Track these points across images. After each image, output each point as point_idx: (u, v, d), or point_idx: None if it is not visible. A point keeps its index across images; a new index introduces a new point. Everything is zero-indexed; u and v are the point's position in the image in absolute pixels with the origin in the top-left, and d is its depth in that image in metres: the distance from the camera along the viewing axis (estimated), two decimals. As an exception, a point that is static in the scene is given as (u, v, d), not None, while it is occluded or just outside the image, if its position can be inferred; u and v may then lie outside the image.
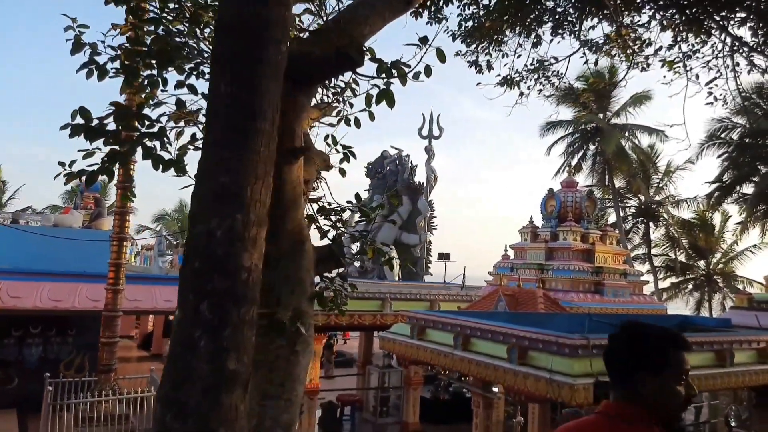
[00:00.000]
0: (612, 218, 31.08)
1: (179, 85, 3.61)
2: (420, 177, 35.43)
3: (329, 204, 4.34)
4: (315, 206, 4.30)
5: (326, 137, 4.42)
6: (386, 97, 3.63)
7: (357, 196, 4.23)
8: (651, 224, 32.23)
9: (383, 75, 3.59)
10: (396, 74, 3.56)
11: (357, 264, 33.91)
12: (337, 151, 4.48)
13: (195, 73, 3.82)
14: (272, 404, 3.08)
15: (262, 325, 3.34)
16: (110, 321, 11.52)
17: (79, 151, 3.52)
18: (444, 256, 31.71)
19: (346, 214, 4.32)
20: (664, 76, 6.71)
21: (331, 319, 12.10)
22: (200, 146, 3.90)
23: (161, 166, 3.52)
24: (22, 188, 37.24)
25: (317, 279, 3.78)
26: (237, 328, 1.99)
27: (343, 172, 4.51)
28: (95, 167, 3.29)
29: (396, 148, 36.39)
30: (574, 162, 29.63)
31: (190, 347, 1.94)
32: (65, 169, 3.35)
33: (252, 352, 2.07)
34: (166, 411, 1.91)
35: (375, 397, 14.62)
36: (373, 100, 3.84)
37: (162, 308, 15.07)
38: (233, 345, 1.96)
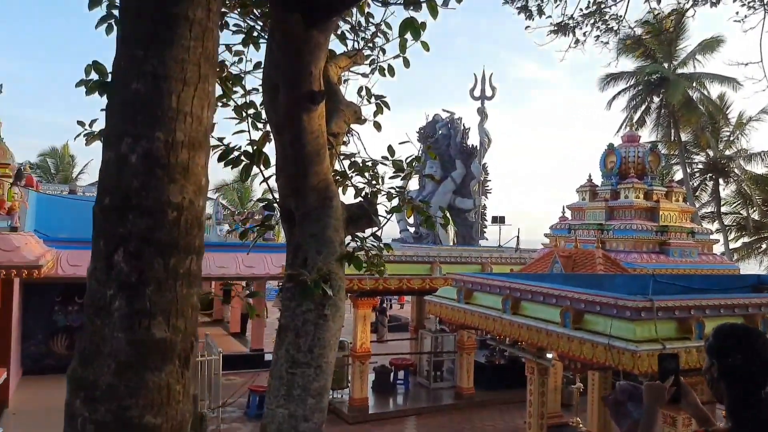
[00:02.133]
0: (678, 175, 29.33)
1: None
2: (473, 140, 34.45)
3: (363, 160, 4.04)
4: (347, 164, 4.01)
5: (360, 89, 4.07)
6: (411, 28, 3.21)
7: (390, 148, 3.87)
8: (720, 181, 30.24)
9: (411, 7, 3.20)
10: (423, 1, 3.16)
11: (412, 230, 33.71)
12: (369, 103, 4.14)
13: (219, 24, 3.58)
14: (301, 372, 2.88)
15: (289, 287, 3.09)
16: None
17: (102, 110, 3.39)
18: (498, 220, 31.00)
19: (381, 170, 3.98)
20: (737, 13, 5.94)
21: (379, 284, 11.86)
22: (228, 103, 3.67)
23: None
24: (90, 163, 38.60)
25: (349, 239, 3.46)
26: (164, 285, 1.52)
27: (378, 126, 4.16)
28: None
29: (448, 111, 35.49)
30: (636, 116, 27.95)
31: (101, 311, 1.51)
32: (85, 129, 3.19)
33: (195, 316, 1.62)
34: (74, 394, 1.51)
35: (428, 362, 14.44)
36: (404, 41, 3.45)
37: (215, 274, 15.31)
38: (160, 306, 1.52)
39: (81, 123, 3.31)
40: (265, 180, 3.55)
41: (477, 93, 35.22)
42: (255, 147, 3.39)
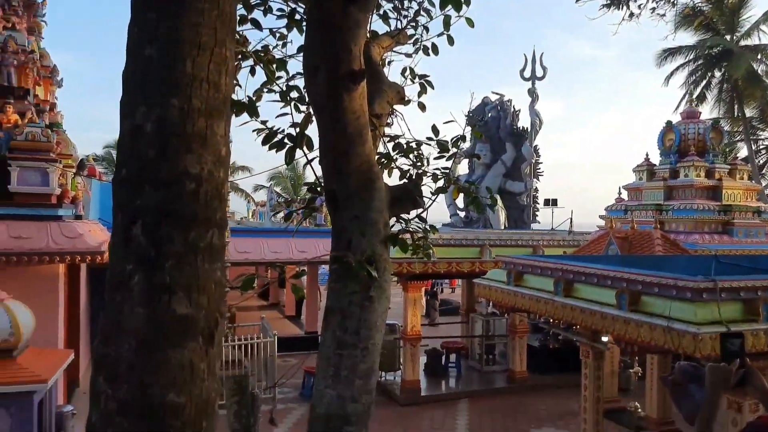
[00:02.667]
0: (742, 153, 27.87)
1: (242, 20, 3.40)
2: (524, 122, 33.67)
3: (407, 141, 4.01)
4: (391, 146, 3.99)
5: (403, 70, 4.03)
6: (452, 1, 3.15)
7: (434, 128, 3.82)
8: (790, 157, 28.57)
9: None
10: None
11: (462, 214, 33.38)
12: (413, 82, 4.10)
13: (262, 8, 3.61)
14: (347, 353, 2.90)
15: (334, 269, 3.08)
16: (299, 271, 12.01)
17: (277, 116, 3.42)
18: (551, 202, 30.31)
19: (425, 151, 3.94)
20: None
21: (428, 267, 11.84)
22: (274, 89, 3.72)
23: (234, 110, 3.42)
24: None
25: (393, 221, 3.44)
26: (184, 259, 1.46)
27: (422, 107, 4.12)
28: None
29: (497, 93, 34.74)
30: (696, 92, 26.63)
31: (121, 286, 1.46)
32: None
33: (219, 292, 1.58)
34: (97, 371, 1.50)
35: (480, 345, 14.35)
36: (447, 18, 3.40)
37: (269, 259, 15.65)
38: (180, 281, 1.46)
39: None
40: (309, 162, 3.58)
41: (527, 73, 34.30)
42: (298, 129, 3.43)
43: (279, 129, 3.48)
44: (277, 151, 3.42)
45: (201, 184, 1.49)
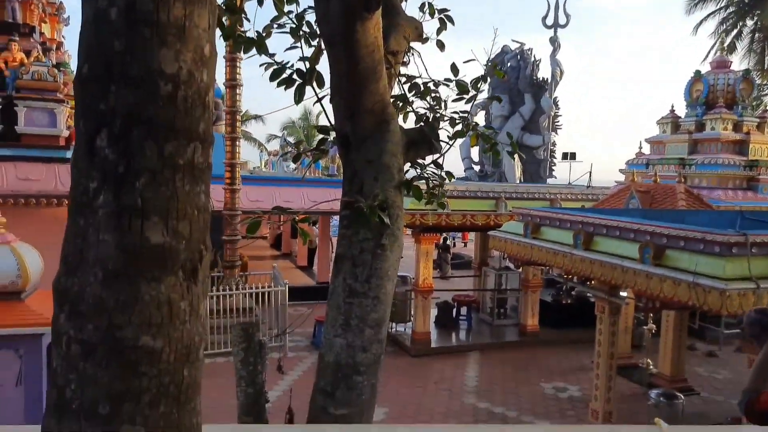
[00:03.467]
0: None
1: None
2: (544, 72, 32.61)
3: (424, 82, 3.77)
4: (407, 87, 3.74)
5: (422, 5, 3.73)
6: None
7: (453, 66, 3.53)
8: (821, 113, 27.49)
9: None
10: None
11: (477, 168, 32.86)
12: (432, 18, 3.81)
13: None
14: (358, 302, 2.81)
15: (345, 215, 2.89)
16: (231, 220, 11.91)
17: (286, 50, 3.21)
18: (569, 156, 29.66)
19: (443, 93, 3.65)
20: None
21: (442, 219, 11.61)
22: (284, 24, 3.44)
23: (242, 47, 3.08)
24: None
25: (408, 167, 3.27)
26: (160, 177, 1.22)
27: (441, 45, 3.84)
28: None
29: (518, 42, 33.54)
30: (727, 42, 25.51)
31: (84, 208, 1.23)
32: None
33: (204, 220, 1.33)
34: (59, 308, 1.27)
35: (492, 299, 14.25)
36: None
37: (320, 209, 15.42)
38: (155, 204, 1.22)
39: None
40: (319, 100, 3.38)
41: (549, 21, 33.04)
42: (308, 65, 3.19)
43: (289, 64, 3.27)
44: (286, 89, 3.24)
45: (179, 86, 1.23)
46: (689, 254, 5.32)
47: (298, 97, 3.29)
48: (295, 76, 3.20)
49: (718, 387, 10.55)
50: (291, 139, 36.58)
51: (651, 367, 11.10)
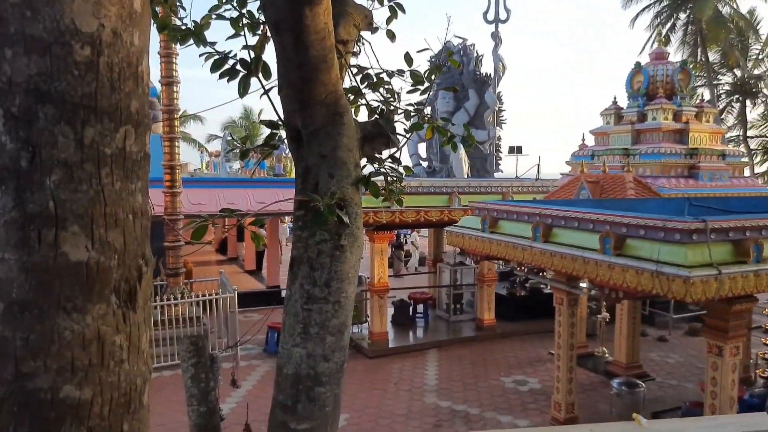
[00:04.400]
0: (703, 98, 28.02)
1: None
2: (487, 67, 32.93)
3: (376, 73, 3.54)
4: (359, 78, 3.50)
5: None
6: None
7: (407, 56, 3.32)
8: (748, 102, 28.86)
9: None
10: None
11: (425, 164, 32.86)
12: (381, 5, 3.58)
13: None
14: (318, 308, 2.64)
15: (300, 216, 2.73)
16: (172, 225, 11.31)
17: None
18: (515, 150, 30.09)
19: (396, 85, 3.38)
20: None
21: (396, 216, 11.37)
22: (224, 15, 3.12)
23: (178, 38, 2.86)
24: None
25: (365, 163, 3.06)
26: (80, 172, 0.90)
27: (391, 36, 3.62)
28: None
29: (460, 38, 33.68)
30: (662, 34, 26.40)
31: None
32: None
33: (142, 227, 1.01)
34: None
35: (448, 295, 14.14)
36: None
37: (270, 211, 14.82)
38: (74, 209, 0.90)
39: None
40: (266, 92, 3.11)
41: (491, 16, 33.39)
42: (252, 53, 2.90)
43: (231, 53, 2.97)
44: (229, 80, 2.94)
45: (100, 50, 0.90)
46: (650, 243, 5.24)
47: (243, 90, 3.02)
48: (238, 67, 2.94)
49: (671, 372, 10.75)
50: (233, 138, 35.66)
51: (606, 355, 11.23)
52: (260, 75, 3.00)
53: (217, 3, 3.06)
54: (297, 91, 2.79)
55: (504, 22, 33.34)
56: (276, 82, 2.92)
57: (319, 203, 2.65)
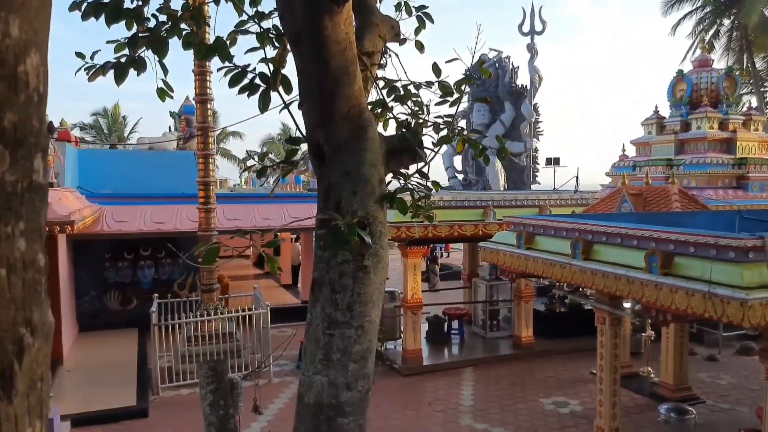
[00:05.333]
0: (751, 104, 26.95)
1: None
2: (523, 79, 32.47)
3: (403, 85, 3.41)
4: (385, 92, 3.38)
5: (398, 5, 3.34)
6: None
7: (435, 66, 3.11)
8: (799, 109, 27.63)
9: None
10: None
11: (460, 177, 32.53)
12: (409, 15, 3.47)
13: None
14: (339, 333, 2.54)
15: (322, 235, 2.63)
16: (206, 241, 11.33)
17: (107, 42, 2.74)
18: (553, 161, 29.50)
19: (425, 97, 3.25)
20: None
21: (429, 231, 11.14)
22: (250, 30, 3.03)
23: (202, 53, 2.81)
24: (140, 122, 39.18)
25: (390, 178, 2.96)
26: None
27: (420, 47, 3.54)
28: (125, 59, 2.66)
29: (495, 50, 33.41)
30: (706, 41, 25.56)
31: None
32: (86, 62, 2.72)
33: (33, 279, 0.78)
34: None
35: (483, 311, 13.77)
36: None
37: (261, 226, 14.86)
38: None
39: (80, 55, 2.83)
40: (286, 106, 3.04)
41: (526, 28, 32.96)
42: (272, 67, 2.76)
43: (251, 67, 2.87)
44: (249, 95, 2.74)
45: None
46: (701, 261, 4.89)
47: (263, 105, 2.93)
48: (258, 81, 2.73)
49: (723, 394, 10.15)
50: (272, 156, 36.05)
51: (652, 375, 10.69)
52: (280, 89, 2.88)
53: (240, 20, 2.97)
54: (319, 105, 2.63)
55: (540, 33, 32.86)
56: (298, 97, 2.77)
57: (339, 222, 2.45)
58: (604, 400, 7.78)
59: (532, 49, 32.63)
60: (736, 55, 26.31)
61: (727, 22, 25.90)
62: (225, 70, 2.81)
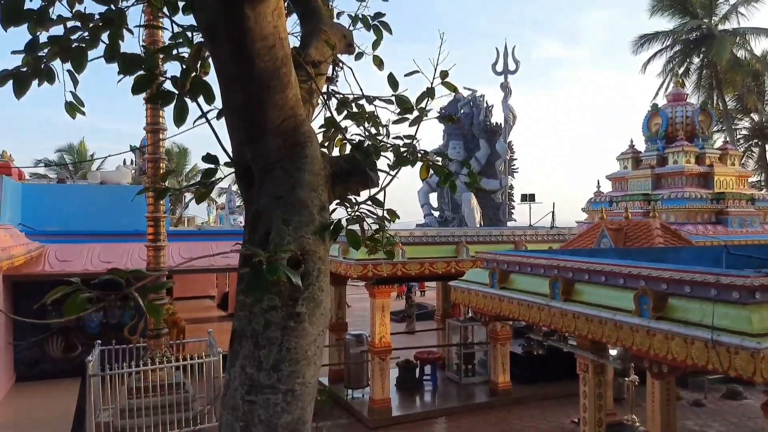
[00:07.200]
0: (720, 143, 27.20)
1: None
2: (497, 117, 32.55)
3: (354, 97, 2.85)
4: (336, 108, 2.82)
5: (354, 18, 3.03)
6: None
7: (391, 77, 2.66)
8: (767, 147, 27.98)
9: None
10: None
11: (436, 214, 32.11)
12: (369, 30, 3.00)
13: None
14: (263, 400, 2.03)
15: (244, 274, 2.16)
16: (155, 282, 10.36)
17: (13, 53, 2.16)
18: (528, 198, 29.23)
19: (383, 116, 2.78)
20: None
21: (398, 269, 10.38)
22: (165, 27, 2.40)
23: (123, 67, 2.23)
24: (108, 159, 38.23)
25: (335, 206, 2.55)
26: None
27: (379, 62, 3.03)
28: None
29: (469, 89, 33.58)
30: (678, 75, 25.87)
31: None
32: None
33: None
34: None
35: (458, 355, 12.92)
36: None
37: (219, 265, 13.84)
38: None
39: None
40: (204, 115, 2.40)
41: (500, 68, 33.16)
42: (185, 68, 2.24)
43: (158, 68, 2.28)
44: (162, 105, 2.26)
45: None
46: (700, 303, 4.20)
47: (178, 116, 2.22)
48: (171, 87, 2.20)
49: (714, 445, 9.40)
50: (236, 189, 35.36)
51: (637, 424, 9.92)
52: (200, 97, 2.34)
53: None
54: (244, 116, 2.16)
55: (513, 73, 33.08)
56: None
57: (262, 257, 1.88)
58: (589, 457, 6.96)
59: (506, 88, 32.75)
60: (706, 92, 26.61)
61: (696, 60, 26.26)
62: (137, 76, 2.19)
